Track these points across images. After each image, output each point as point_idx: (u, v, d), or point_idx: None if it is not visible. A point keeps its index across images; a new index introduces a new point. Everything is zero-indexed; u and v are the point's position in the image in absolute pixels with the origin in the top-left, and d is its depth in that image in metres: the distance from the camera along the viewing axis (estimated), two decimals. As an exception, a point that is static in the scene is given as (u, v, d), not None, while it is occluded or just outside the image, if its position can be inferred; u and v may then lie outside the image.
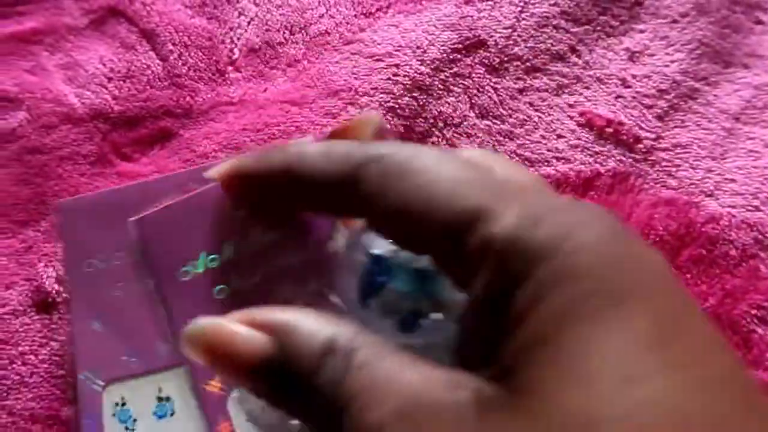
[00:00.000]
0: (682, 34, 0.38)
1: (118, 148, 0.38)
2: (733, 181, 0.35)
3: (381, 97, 0.36)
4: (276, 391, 0.18)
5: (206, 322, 0.19)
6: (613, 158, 0.36)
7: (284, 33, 0.41)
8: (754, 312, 0.33)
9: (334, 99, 0.37)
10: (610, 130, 0.36)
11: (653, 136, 0.36)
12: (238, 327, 0.18)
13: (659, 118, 0.37)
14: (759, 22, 0.38)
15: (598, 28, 0.38)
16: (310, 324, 0.17)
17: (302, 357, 0.17)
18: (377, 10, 0.40)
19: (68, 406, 0.32)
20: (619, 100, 0.37)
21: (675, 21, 0.38)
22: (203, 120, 0.38)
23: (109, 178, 0.38)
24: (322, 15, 0.41)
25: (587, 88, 0.37)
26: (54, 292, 0.34)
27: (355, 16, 0.40)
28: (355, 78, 0.37)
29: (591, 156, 0.36)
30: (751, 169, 0.35)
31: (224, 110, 0.39)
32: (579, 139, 0.36)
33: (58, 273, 0.35)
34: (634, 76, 0.37)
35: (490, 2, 0.38)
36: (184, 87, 0.39)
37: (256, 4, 0.41)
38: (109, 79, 0.40)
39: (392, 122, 0.36)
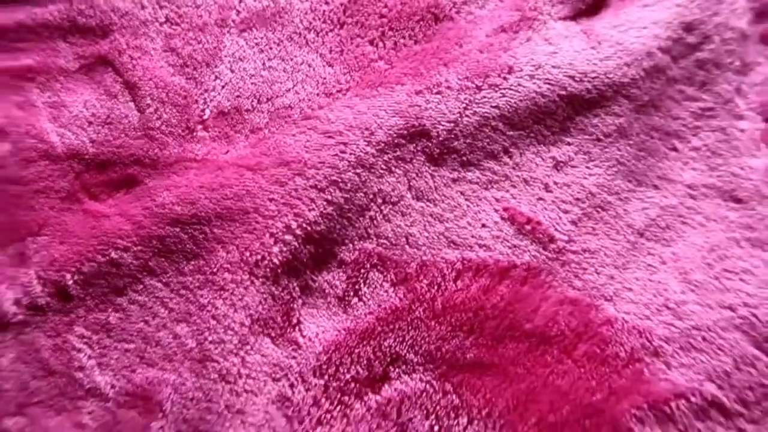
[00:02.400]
0: (603, 151, 0.43)
1: (88, 187, 0.43)
2: (630, 290, 0.39)
3: (327, 171, 0.41)
4: None
5: None
6: (528, 253, 0.40)
7: (252, 101, 0.45)
8: (634, 411, 0.37)
9: (285, 168, 0.41)
10: (528, 227, 0.41)
11: (566, 238, 0.40)
12: None
13: (573, 222, 0.41)
14: (674, 149, 0.43)
15: (531, 134, 0.43)
16: None
17: None
18: (338, 91, 0.44)
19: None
20: (540, 201, 0.41)
21: (599, 139, 0.43)
22: (167, 172, 0.43)
23: (76, 214, 0.42)
24: (289, 89, 0.45)
25: (514, 186, 0.42)
26: (11, 313, 0.38)
27: (317, 94, 0.45)
28: (306, 151, 0.41)
29: (509, 248, 0.40)
30: (647, 282, 0.40)
31: (187, 166, 0.43)
32: (501, 230, 0.41)
33: (16, 296, 0.38)
34: (555, 183, 0.41)
35: (438, 95, 0.43)
36: (155, 140, 0.44)
37: (232, 71, 0.46)
38: (89, 123, 0.44)
39: (334, 194, 0.41)
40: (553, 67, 0.44)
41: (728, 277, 0.39)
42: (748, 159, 0.42)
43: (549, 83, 0.43)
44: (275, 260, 0.39)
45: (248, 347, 0.38)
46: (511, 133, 0.43)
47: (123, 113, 0.44)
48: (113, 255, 0.40)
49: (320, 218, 0.40)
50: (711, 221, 0.41)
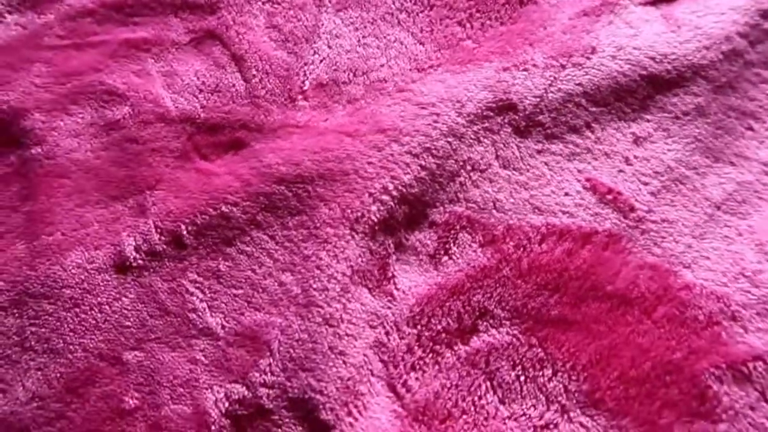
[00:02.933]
0: (681, 129, 0.45)
1: (199, 148, 0.46)
2: (707, 258, 0.41)
3: (420, 139, 0.44)
4: None
5: None
6: (609, 221, 0.42)
7: (349, 74, 0.48)
8: (712, 370, 0.39)
9: (382, 135, 0.44)
10: (610, 197, 0.43)
11: (646, 208, 0.42)
12: None
13: (653, 194, 0.43)
14: (750, 128, 0.45)
15: (612, 111, 0.45)
16: None
17: None
18: (429, 66, 0.48)
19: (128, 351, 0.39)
20: (621, 173, 0.43)
21: (677, 117, 0.45)
22: (272, 137, 0.46)
23: (189, 172, 0.45)
24: (383, 65, 0.48)
25: (595, 159, 0.44)
26: (132, 257, 0.42)
27: (410, 69, 0.48)
28: (402, 120, 0.45)
29: (591, 215, 0.43)
30: (723, 252, 0.42)
31: (290, 131, 0.46)
32: (583, 199, 0.43)
33: (137, 242, 0.42)
34: (635, 157, 0.44)
35: (524, 72, 0.46)
36: (260, 107, 0.47)
37: (329, 47, 0.50)
38: (200, 91, 0.48)
39: (427, 160, 0.44)
40: (634, 48, 0.46)
41: (804, 250, 0.41)
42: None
43: (630, 63, 0.46)
44: (373, 218, 0.42)
45: (349, 295, 0.41)
46: (594, 109, 0.45)
47: (230, 82, 0.48)
48: (223, 209, 0.43)
49: (414, 181, 0.43)
50: (786, 198, 0.43)
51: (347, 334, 0.41)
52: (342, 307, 0.41)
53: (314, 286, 0.41)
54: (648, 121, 0.45)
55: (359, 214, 0.43)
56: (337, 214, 0.43)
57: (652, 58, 0.46)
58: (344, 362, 0.40)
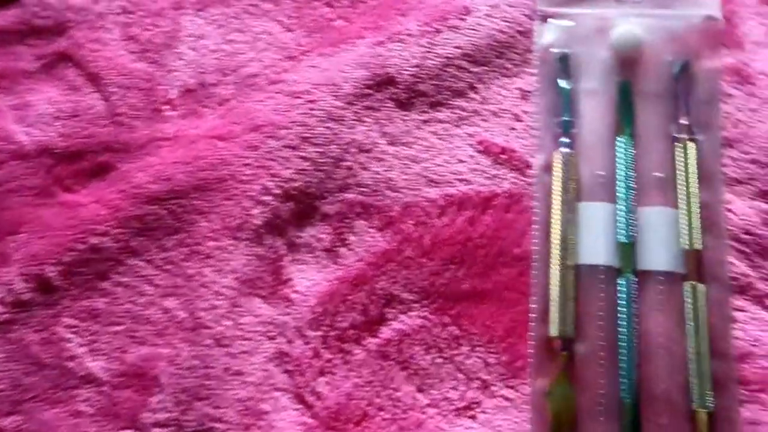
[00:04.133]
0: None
1: (61, 180, 0.43)
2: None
3: (297, 130, 0.41)
4: None
5: None
6: (507, 181, 0.40)
7: (217, 75, 0.46)
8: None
9: (256, 133, 0.42)
10: (504, 156, 0.41)
11: (542, 163, 0.41)
12: None
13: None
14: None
15: (495, 69, 0.43)
16: None
17: None
18: (300, 53, 0.45)
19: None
20: (512, 131, 0.42)
21: (560, 61, 0.44)
22: (139, 154, 0.43)
23: (52, 208, 0.42)
24: (252, 59, 0.46)
25: (485, 120, 0.42)
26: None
27: (281, 59, 0.45)
28: (276, 114, 0.42)
29: (489, 179, 0.41)
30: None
31: (159, 145, 0.43)
32: (478, 163, 0.41)
33: (0, 296, 0.38)
34: (525, 111, 0.42)
35: (399, 43, 0.43)
36: (123, 125, 0.44)
37: (193, 49, 0.47)
38: (56, 118, 0.45)
39: (308, 150, 0.41)
40: (509, 6, 0.45)
41: None
42: (707, 61, 0.43)
43: (506, 21, 0.44)
44: (257, 222, 0.39)
45: (240, 309, 0.38)
46: (476, 69, 0.43)
47: (88, 104, 0.45)
48: (93, 241, 0.40)
49: (296, 175, 0.40)
50: None
51: (242, 352, 0.37)
52: (233, 324, 0.38)
53: (201, 306, 0.38)
54: (532, 75, 0.43)
55: (240, 220, 0.40)
56: (217, 225, 0.40)
57: (528, 17, 0.44)
58: (243, 382, 0.36)
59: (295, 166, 0.41)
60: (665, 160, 0.40)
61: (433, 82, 0.43)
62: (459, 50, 0.44)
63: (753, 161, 0.40)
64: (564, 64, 0.42)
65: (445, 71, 0.43)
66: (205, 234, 0.40)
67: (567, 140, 0.40)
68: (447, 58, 0.44)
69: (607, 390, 0.35)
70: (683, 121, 0.40)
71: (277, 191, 0.40)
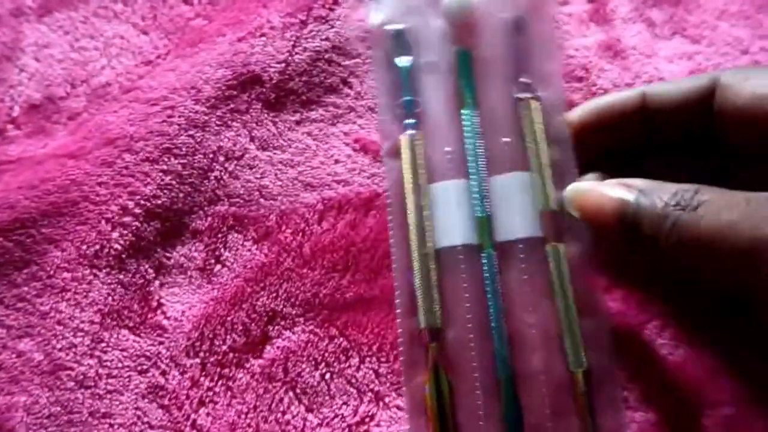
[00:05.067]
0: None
1: None
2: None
3: (156, 140, 0.38)
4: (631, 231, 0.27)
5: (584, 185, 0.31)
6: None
7: (66, 87, 0.42)
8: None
9: (110, 148, 0.38)
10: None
11: (389, 149, 0.40)
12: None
13: (427, 136, 0.41)
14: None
15: (368, 61, 0.42)
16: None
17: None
18: (157, 57, 0.42)
19: None
20: (377, 120, 0.40)
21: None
22: (-22, 182, 0.39)
23: None
24: (104, 67, 0.42)
25: (360, 116, 0.41)
26: None
27: (136, 65, 0.42)
28: (131, 125, 0.39)
29: (368, 178, 0.39)
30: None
31: (2, 170, 0.39)
32: (356, 163, 0.40)
33: None
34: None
35: (262, 38, 0.41)
36: (-42, 150, 0.40)
37: (38, 60, 0.43)
38: None
39: (170, 162, 0.38)
40: (380, -8, 0.44)
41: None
42: (579, 40, 0.43)
43: (378, 7, 0.43)
44: (117, 246, 0.36)
45: (104, 345, 0.35)
46: (347, 63, 0.42)
47: None
48: (-70, 284, 0.36)
49: (159, 191, 0.38)
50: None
51: (110, 391, 0.35)
52: (97, 362, 0.35)
53: (58, 346, 0.35)
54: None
55: (98, 246, 0.37)
56: (72, 254, 0.37)
57: None
58: (111, 425, 0.34)
59: (157, 181, 0.38)
60: (512, 124, 0.39)
61: (303, 78, 0.41)
62: (328, 43, 0.42)
63: (630, 137, 0.41)
64: (399, 41, 0.41)
65: (315, 66, 0.42)
66: (59, 265, 0.36)
67: (412, 121, 0.39)
68: (316, 51, 0.42)
69: (481, 372, 0.34)
70: (524, 79, 0.40)
71: (138, 210, 0.37)
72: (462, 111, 0.39)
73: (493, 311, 0.35)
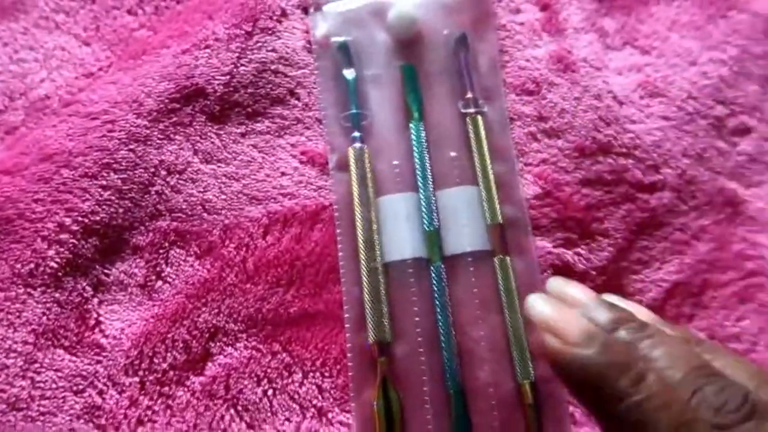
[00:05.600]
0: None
1: None
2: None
3: (96, 155, 0.38)
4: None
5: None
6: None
7: (4, 100, 0.41)
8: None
9: (48, 163, 0.38)
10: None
11: (336, 162, 0.40)
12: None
13: (373, 148, 0.41)
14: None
15: (315, 72, 0.42)
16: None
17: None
18: (99, 69, 0.42)
19: None
20: (325, 133, 0.40)
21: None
22: None
23: None
24: (43, 79, 0.42)
25: (308, 128, 0.41)
26: None
27: (76, 78, 0.42)
28: (70, 140, 0.38)
29: (315, 191, 0.39)
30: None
31: (-65, 185, 0.39)
32: (302, 175, 0.40)
33: None
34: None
35: (207, 50, 0.41)
36: None
37: (-26, 73, 0.42)
38: None
39: (109, 177, 0.38)
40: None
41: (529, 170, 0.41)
42: (531, 50, 0.44)
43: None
44: (53, 264, 0.36)
45: (37, 365, 0.34)
46: (294, 73, 0.42)
47: None
48: None
49: (98, 207, 0.37)
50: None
51: (43, 413, 0.34)
52: (30, 383, 0.34)
53: (-10, 367, 0.35)
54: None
55: (32, 265, 0.36)
56: (6, 273, 0.36)
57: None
58: (44, 448, 0.34)
59: (96, 197, 0.37)
60: (458, 139, 0.40)
61: (249, 90, 0.41)
62: (274, 54, 0.42)
63: (578, 149, 0.41)
64: (345, 53, 0.42)
65: (261, 78, 0.41)
66: (-7, 284, 0.36)
67: (358, 134, 0.40)
68: (262, 63, 0.42)
69: (431, 386, 0.35)
70: (469, 95, 0.41)
71: (76, 227, 0.37)
72: (410, 125, 0.40)
73: (442, 325, 0.36)
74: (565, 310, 0.31)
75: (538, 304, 0.32)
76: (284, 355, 0.36)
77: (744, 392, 0.27)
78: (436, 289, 0.36)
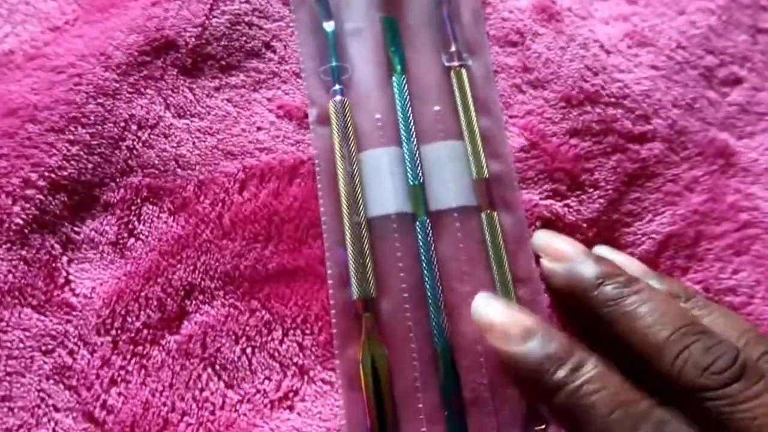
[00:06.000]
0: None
1: None
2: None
3: (62, 109, 0.37)
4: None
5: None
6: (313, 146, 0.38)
7: (-34, 56, 0.40)
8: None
9: (12, 118, 0.37)
10: (308, 120, 0.39)
11: (316, 116, 0.39)
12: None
13: (353, 100, 0.40)
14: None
15: (292, 24, 0.41)
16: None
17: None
18: (65, 23, 0.40)
19: None
20: (304, 87, 0.39)
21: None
22: None
23: None
24: (7, 34, 0.40)
25: (284, 82, 0.40)
26: None
27: (42, 32, 0.40)
28: (35, 93, 0.37)
29: (292, 145, 0.38)
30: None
31: None
32: (279, 129, 0.39)
33: None
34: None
35: (177, 2, 0.40)
36: None
37: (-65, 29, 0.41)
38: None
39: (77, 132, 0.37)
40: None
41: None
42: (514, 1, 0.43)
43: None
44: (18, 221, 0.35)
45: (3, 324, 0.33)
46: (269, 26, 0.41)
47: None
48: None
49: (65, 162, 0.36)
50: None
51: (9, 373, 0.33)
52: (-5, 342, 0.34)
53: (-47, 326, 0.34)
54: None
55: (-3, 221, 0.35)
56: (-31, 229, 0.35)
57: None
58: (11, 409, 0.32)
59: (63, 152, 0.36)
60: (442, 92, 0.39)
61: (222, 43, 0.40)
62: (248, 5, 0.41)
63: (565, 99, 0.40)
64: (323, 5, 0.40)
65: (235, 30, 0.40)
66: (-45, 242, 0.35)
67: (339, 87, 0.39)
68: (235, 14, 0.40)
69: (418, 342, 0.34)
70: (453, 48, 0.40)
71: (43, 183, 0.35)
72: (392, 79, 0.39)
73: (428, 281, 0.35)
74: (506, 309, 0.32)
75: (481, 307, 0.33)
76: (263, 312, 0.35)
77: (734, 351, 0.26)
78: (422, 244, 0.35)
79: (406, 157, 0.37)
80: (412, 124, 0.38)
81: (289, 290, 0.35)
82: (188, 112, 0.38)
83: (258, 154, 0.38)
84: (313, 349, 0.34)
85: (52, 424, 0.32)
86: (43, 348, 0.33)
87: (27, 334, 0.33)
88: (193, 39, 0.39)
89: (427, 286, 0.35)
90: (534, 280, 0.36)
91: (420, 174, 0.37)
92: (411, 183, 0.37)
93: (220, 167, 0.38)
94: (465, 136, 0.38)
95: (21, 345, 0.33)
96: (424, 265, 0.35)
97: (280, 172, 0.38)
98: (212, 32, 0.40)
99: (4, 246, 0.34)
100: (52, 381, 0.33)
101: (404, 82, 0.39)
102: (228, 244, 0.36)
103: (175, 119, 0.38)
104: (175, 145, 0.38)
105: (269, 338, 0.34)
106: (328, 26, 0.40)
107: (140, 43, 0.39)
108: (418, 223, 0.36)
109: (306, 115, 0.39)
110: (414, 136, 0.38)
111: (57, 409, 0.32)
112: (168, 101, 0.38)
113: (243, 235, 0.36)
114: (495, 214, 0.36)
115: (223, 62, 0.40)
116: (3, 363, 0.33)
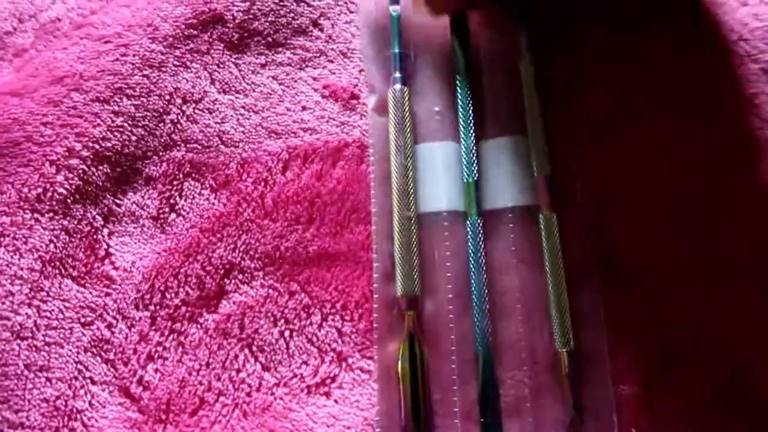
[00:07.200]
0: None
1: None
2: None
3: (108, 80, 0.37)
4: None
5: None
6: (359, 128, 0.38)
7: (13, 21, 0.40)
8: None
9: (58, 86, 0.37)
10: (354, 101, 0.39)
11: (375, 104, 0.38)
12: None
13: (401, 84, 0.40)
14: None
15: (341, 2, 0.41)
16: None
17: None
18: (112, -8, 0.41)
19: None
20: (363, 73, 0.39)
21: None
22: None
23: None
24: (54, 1, 0.41)
25: (331, 61, 0.40)
26: None
27: (89, 0, 0.41)
28: (81, 63, 0.37)
29: (337, 126, 0.38)
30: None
31: (-61, 107, 0.38)
32: (324, 110, 0.38)
33: None
34: (376, 48, 0.40)
35: (227, -23, 0.40)
36: None
37: (-18, -6, 0.41)
38: None
39: (122, 103, 0.37)
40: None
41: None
42: None
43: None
44: (61, 190, 0.35)
45: (44, 294, 0.34)
46: (317, 3, 0.41)
47: None
48: None
49: (109, 133, 0.36)
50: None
51: (48, 343, 0.33)
52: (36, 312, 0.34)
53: (-6, 293, 0.34)
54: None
55: (40, 190, 0.35)
56: (12, 198, 0.35)
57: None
58: (48, 379, 0.33)
59: (107, 123, 0.36)
60: (504, 88, 0.38)
61: (269, 18, 0.40)
62: (298, -18, 0.41)
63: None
64: None
65: (283, 5, 0.40)
66: (-1, 209, 0.35)
67: (399, 75, 0.38)
68: (284, -10, 0.40)
69: (459, 344, 0.33)
70: (524, 45, 0.39)
71: (86, 153, 0.36)
72: (456, 75, 0.38)
73: (475, 282, 0.34)
74: None
75: None
76: (302, 295, 0.35)
77: None
78: (471, 245, 0.35)
79: (463, 153, 0.36)
80: (471, 120, 0.37)
81: (330, 275, 0.35)
82: (233, 88, 0.38)
83: (302, 134, 0.38)
84: (353, 336, 0.34)
85: (89, 396, 0.32)
86: (82, 320, 0.34)
87: (67, 305, 0.34)
88: (241, 14, 0.39)
89: (473, 289, 0.34)
90: (590, 288, 0.34)
91: (475, 171, 0.36)
92: (465, 179, 0.36)
93: (264, 146, 0.38)
94: (529, 130, 0.37)
95: (60, 316, 0.34)
96: (473, 267, 0.34)
97: (324, 154, 0.37)
98: (260, 7, 0.40)
99: (46, 215, 0.35)
100: (90, 353, 0.33)
101: (467, 76, 0.38)
102: (269, 225, 0.36)
103: (220, 95, 0.38)
104: (219, 121, 0.38)
105: (308, 322, 0.34)
106: (395, 10, 0.39)
107: (187, 16, 0.39)
108: (469, 222, 0.35)
109: (352, 96, 0.39)
110: (473, 132, 0.37)
111: (94, 382, 0.33)
112: (213, 76, 0.38)
113: (285, 216, 0.36)
114: (554, 216, 0.35)
115: (270, 39, 0.40)
116: (42, 333, 0.33)
